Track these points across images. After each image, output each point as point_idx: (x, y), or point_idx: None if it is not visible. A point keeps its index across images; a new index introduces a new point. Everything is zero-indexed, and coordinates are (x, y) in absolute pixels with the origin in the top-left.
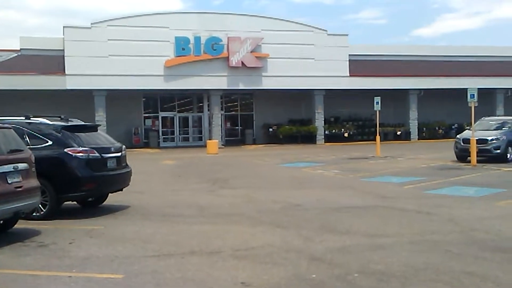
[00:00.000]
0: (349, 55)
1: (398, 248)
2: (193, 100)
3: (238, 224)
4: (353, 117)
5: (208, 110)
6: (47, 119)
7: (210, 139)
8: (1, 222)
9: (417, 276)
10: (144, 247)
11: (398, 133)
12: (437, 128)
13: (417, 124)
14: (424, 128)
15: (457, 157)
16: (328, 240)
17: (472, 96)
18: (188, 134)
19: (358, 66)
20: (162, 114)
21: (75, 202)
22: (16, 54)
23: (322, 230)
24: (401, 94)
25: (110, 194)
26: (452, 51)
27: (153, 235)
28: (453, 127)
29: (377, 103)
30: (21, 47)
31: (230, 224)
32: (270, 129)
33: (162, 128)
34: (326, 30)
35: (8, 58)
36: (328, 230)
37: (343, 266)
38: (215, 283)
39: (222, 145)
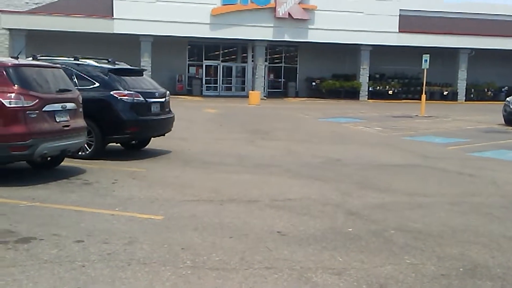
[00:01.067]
0: (400, 10)
1: (437, 208)
2: (237, 50)
3: (277, 176)
4: (399, 74)
5: (252, 60)
6: (95, 61)
7: (252, 90)
8: (49, 159)
9: (454, 237)
10: (183, 191)
11: (445, 93)
12: (486, 90)
13: (465, 84)
14: (473, 89)
15: (505, 121)
16: (366, 196)
17: None
18: (231, 83)
19: (408, 22)
20: (206, 62)
21: (119, 144)
22: None
23: (361, 186)
24: (451, 53)
25: (153, 138)
26: (506, 10)
27: (192, 181)
28: (503, 89)
29: (426, 61)
30: None
31: (269, 175)
32: (313, 83)
33: (205, 76)
34: None
35: None
36: (367, 186)
37: (380, 222)
38: (251, 230)
39: (265, 96)
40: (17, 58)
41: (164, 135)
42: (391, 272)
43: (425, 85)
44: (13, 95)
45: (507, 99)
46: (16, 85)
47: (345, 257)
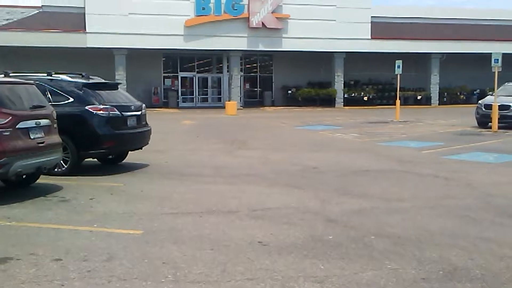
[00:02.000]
0: (371, 17)
1: (414, 212)
2: (212, 60)
3: (255, 185)
4: (373, 80)
5: (228, 71)
6: (68, 76)
7: (229, 100)
8: (24, 176)
9: (432, 240)
10: (162, 204)
11: (419, 97)
12: (458, 94)
13: (438, 89)
14: (446, 93)
15: (478, 123)
16: (344, 203)
17: (496, 61)
18: (207, 95)
19: (380, 28)
20: (181, 74)
21: (95, 159)
22: (37, 11)
23: (339, 193)
24: (423, 58)
25: (130, 152)
26: (477, 14)
27: (171, 194)
28: (475, 92)
29: (398, 66)
30: (42, 4)
31: (247, 184)
32: (289, 91)
33: (181, 88)
34: None
35: (30, 15)
36: (345, 192)
37: (359, 228)
38: (231, 241)
39: (241, 106)
40: None
41: (141, 148)
42: (372, 278)
43: (399, 91)
44: None
45: (479, 101)
46: None
47: (326, 264)
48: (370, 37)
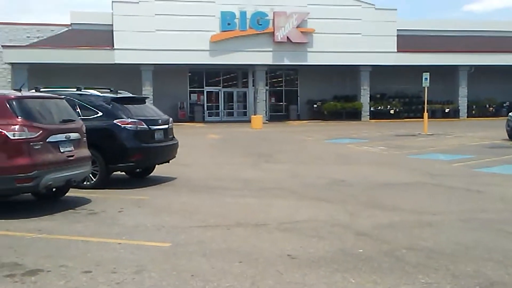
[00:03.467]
0: (397, 30)
1: (447, 225)
2: (238, 75)
3: (283, 198)
4: (399, 93)
5: (253, 85)
6: (97, 91)
7: (254, 114)
8: (54, 189)
9: (467, 254)
10: (190, 217)
11: (447, 110)
12: (487, 106)
13: (466, 101)
14: (474, 106)
15: (508, 136)
16: (374, 216)
17: None
18: (232, 109)
19: (406, 41)
20: (207, 88)
21: (124, 173)
22: (66, 29)
23: (368, 206)
24: (450, 71)
25: (157, 165)
26: (504, 26)
27: (198, 207)
28: (504, 105)
29: (426, 79)
30: (72, 22)
31: (275, 198)
32: (315, 105)
33: (207, 102)
34: (373, 5)
35: (59, 32)
36: (375, 206)
37: (390, 242)
38: (260, 254)
39: (267, 120)
40: (19, 90)
41: (168, 162)
42: None
43: (427, 103)
44: (17, 127)
45: (510, 114)
46: (19, 117)
47: (357, 278)
48: (396, 50)
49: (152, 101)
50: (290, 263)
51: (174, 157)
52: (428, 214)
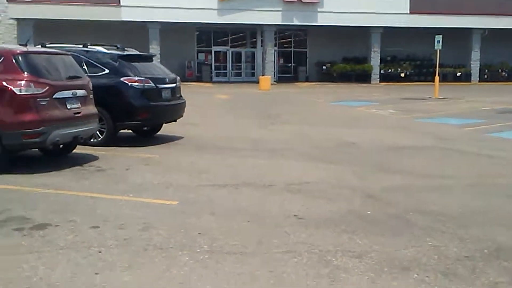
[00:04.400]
0: None
1: (456, 189)
2: (246, 35)
3: (291, 159)
4: (411, 56)
5: (261, 45)
6: (104, 48)
7: (262, 75)
8: (61, 146)
9: (476, 219)
10: (198, 176)
11: (458, 74)
12: (500, 71)
13: (478, 65)
14: (486, 70)
15: None
16: (383, 179)
17: None
18: (240, 69)
19: (419, 3)
20: (215, 48)
21: (131, 131)
22: None
23: (377, 169)
24: (464, 34)
25: (164, 124)
26: None
27: (207, 166)
28: None
29: (438, 42)
30: None
31: (283, 158)
32: (324, 67)
33: (215, 62)
34: None
35: None
36: (383, 169)
37: (398, 205)
38: (268, 214)
39: (275, 81)
40: (25, 45)
41: (175, 121)
42: (413, 255)
43: (438, 67)
44: (23, 82)
45: None
46: (25, 73)
47: (364, 240)
48: (408, 12)
49: (159, 60)
50: (297, 223)
51: (182, 116)
52: (437, 178)
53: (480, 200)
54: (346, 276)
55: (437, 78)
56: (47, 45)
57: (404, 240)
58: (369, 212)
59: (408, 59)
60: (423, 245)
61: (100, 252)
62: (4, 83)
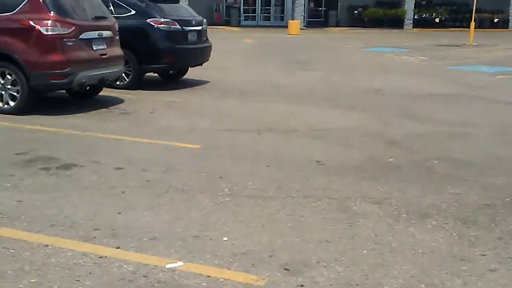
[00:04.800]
0: None
1: (482, 138)
2: None
3: (315, 105)
4: (446, 1)
5: None
6: None
7: (292, 19)
8: (88, 88)
9: (499, 167)
10: (221, 121)
11: (496, 20)
12: None
13: None
14: None
15: None
16: (407, 126)
17: None
18: (269, 13)
19: None
20: None
21: (157, 74)
22: None
23: (402, 116)
24: None
25: (190, 68)
26: None
27: (230, 111)
28: None
29: None
30: None
31: (307, 104)
32: (355, 11)
33: (243, 5)
34: None
35: None
36: (408, 116)
37: (421, 152)
38: (289, 159)
39: (304, 26)
40: None
41: (201, 64)
42: (432, 202)
43: (475, 12)
44: (49, 22)
45: None
46: (52, 12)
47: (385, 186)
48: None
49: (187, 2)
50: (318, 169)
51: (208, 60)
52: (462, 126)
53: (504, 149)
54: (364, 222)
55: (472, 24)
56: None
57: (425, 187)
58: (391, 160)
59: (444, 3)
60: (443, 193)
61: (123, 192)
62: (31, 22)
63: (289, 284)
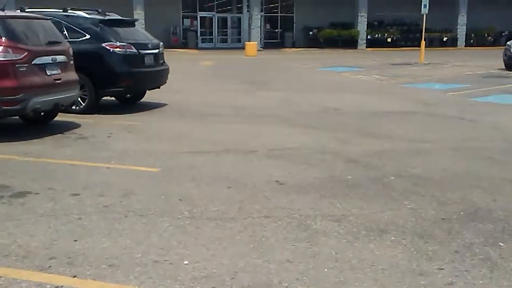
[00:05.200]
0: None
1: (438, 153)
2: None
3: (274, 125)
4: (398, 21)
5: (248, 10)
6: (85, 13)
7: (249, 41)
8: (42, 113)
9: (455, 182)
10: (180, 143)
11: (445, 39)
12: (486, 35)
13: (465, 30)
14: (473, 35)
15: (505, 65)
16: (365, 144)
17: None
18: (226, 35)
19: None
20: (200, 14)
21: (114, 98)
22: None
23: (359, 134)
24: None
25: (147, 91)
26: None
27: (189, 133)
28: (503, 34)
29: (425, 6)
30: None
31: (266, 124)
32: (310, 32)
33: (200, 28)
34: None
35: None
36: (366, 133)
37: (379, 169)
38: (249, 180)
39: (261, 47)
40: (3, 10)
41: (159, 87)
42: (391, 218)
43: (425, 32)
44: (1, 48)
45: (508, 43)
46: (3, 38)
47: (344, 204)
48: None
49: (144, 26)
50: (278, 189)
51: (165, 82)
52: (419, 142)
53: (460, 164)
54: (324, 240)
55: (423, 43)
56: (26, 10)
57: (383, 204)
58: (349, 177)
59: (395, 24)
60: (401, 208)
61: (79, 219)
62: None
63: None
